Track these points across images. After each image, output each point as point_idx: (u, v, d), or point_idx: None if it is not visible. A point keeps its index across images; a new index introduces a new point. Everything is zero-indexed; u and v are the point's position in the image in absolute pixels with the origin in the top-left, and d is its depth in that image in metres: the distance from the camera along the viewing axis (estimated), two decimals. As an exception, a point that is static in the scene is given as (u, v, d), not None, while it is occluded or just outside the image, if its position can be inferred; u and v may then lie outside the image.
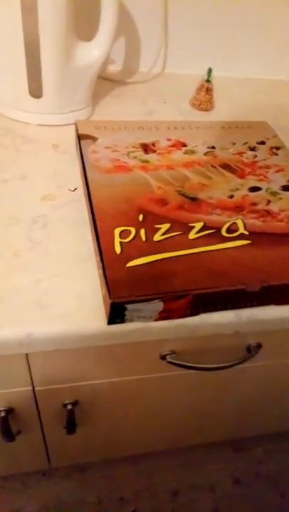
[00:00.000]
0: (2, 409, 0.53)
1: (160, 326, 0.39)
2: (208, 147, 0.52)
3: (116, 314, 0.36)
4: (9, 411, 0.54)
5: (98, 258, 0.38)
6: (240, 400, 0.70)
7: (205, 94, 0.64)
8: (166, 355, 0.48)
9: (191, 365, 0.48)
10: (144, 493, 0.98)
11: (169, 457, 1.02)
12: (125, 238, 0.39)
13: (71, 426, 0.59)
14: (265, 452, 1.06)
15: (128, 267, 0.37)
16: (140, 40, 0.68)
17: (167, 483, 0.99)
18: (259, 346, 0.50)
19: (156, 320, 0.38)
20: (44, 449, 0.75)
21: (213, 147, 0.52)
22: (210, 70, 0.63)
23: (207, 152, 0.51)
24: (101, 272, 0.37)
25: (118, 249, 0.38)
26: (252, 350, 0.50)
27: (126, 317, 0.37)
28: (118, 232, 0.40)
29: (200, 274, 0.37)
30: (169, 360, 0.48)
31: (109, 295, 0.34)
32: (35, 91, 0.52)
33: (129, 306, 0.35)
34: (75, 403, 0.56)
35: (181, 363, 0.48)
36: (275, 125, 0.59)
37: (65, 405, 0.56)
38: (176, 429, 0.79)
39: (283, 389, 0.68)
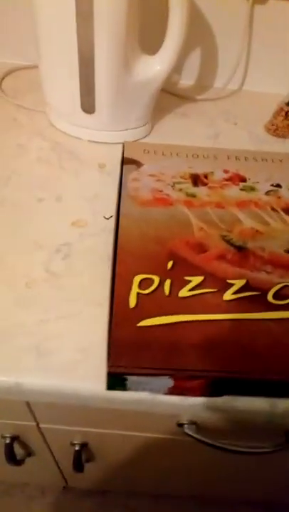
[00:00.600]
0: (7, 435, 0.50)
1: (171, 402, 0.32)
2: (272, 185, 0.43)
3: (115, 382, 0.30)
4: (15, 438, 0.51)
5: (108, 308, 0.32)
6: (272, 475, 0.59)
7: (283, 118, 0.55)
8: (185, 424, 0.41)
9: (212, 442, 0.40)
10: (162, 533, 0.91)
11: (194, 503, 0.93)
12: (145, 289, 0.33)
13: (78, 466, 0.54)
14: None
15: (139, 326, 0.31)
16: (218, 53, 0.61)
17: (188, 529, 0.91)
18: (302, 435, 0.41)
19: (166, 394, 0.32)
20: (58, 471, 0.72)
21: (278, 185, 0.43)
22: (292, 92, 0.54)
23: (270, 191, 0.43)
24: (107, 326, 0.31)
25: (133, 302, 0.32)
26: (291, 439, 0.40)
27: (128, 386, 0.31)
28: (138, 280, 0.34)
29: (227, 350, 0.30)
30: (186, 431, 0.40)
31: (108, 360, 0.29)
32: (88, 105, 0.48)
33: (130, 378, 0.29)
34: (83, 444, 0.51)
35: (201, 438, 0.40)
36: None
37: (73, 444, 0.51)
38: (197, 484, 0.71)
39: None
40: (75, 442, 0.51)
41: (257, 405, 0.32)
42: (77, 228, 0.42)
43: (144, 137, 0.55)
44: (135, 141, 0.53)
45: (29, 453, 0.59)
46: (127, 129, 0.52)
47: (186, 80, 0.65)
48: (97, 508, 0.96)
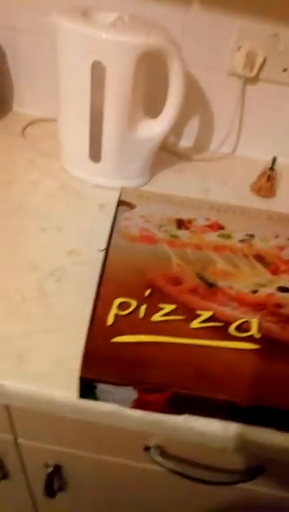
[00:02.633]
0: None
1: (136, 416, 0.36)
2: (246, 234, 0.49)
3: (86, 390, 0.34)
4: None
5: (88, 325, 0.37)
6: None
7: (266, 181, 0.63)
8: (151, 448, 0.43)
9: (174, 468, 0.42)
10: None
11: None
12: (123, 311, 0.38)
13: (50, 490, 0.55)
14: None
15: (113, 342, 0.35)
16: (213, 122, 0.70)
17: None
18: (261, 470, 0.43)
19: (131, 407, 0.35)
20: (30, 498, 0.71)
21: (251, 235, 0.49)
22: (274, 159, 0.62)
23: (243, 239, 0.49)
24: (85, 340, 0.36)
25: (110, 321, 0.37)
26: (250, 472, 0.42)
27: (97, 396, 0.34)
28: (118, 303, 0.38)
29: (185, 370, 0.34)
30: (152, 455, 0.43)
31: (81, 368, 0.33)
32: (95, 155, 0.56)
33: (99, 386, 0.33)
34: (57, 467, 0.53)
35: (164, 463, 0.42)
36: None
37: (47, 465, 0.53)
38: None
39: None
40: (49, 463, 0.53)
41: (212, 427, 0.35)
42: (73, 256, 0.48)
43: (143, 186, 0.62)
44: (134, 188, 0.60)
45: (4, 475, 0.60)
46: (127, 178, 0.59)
47: (186, 143, 0.74)
48: None
